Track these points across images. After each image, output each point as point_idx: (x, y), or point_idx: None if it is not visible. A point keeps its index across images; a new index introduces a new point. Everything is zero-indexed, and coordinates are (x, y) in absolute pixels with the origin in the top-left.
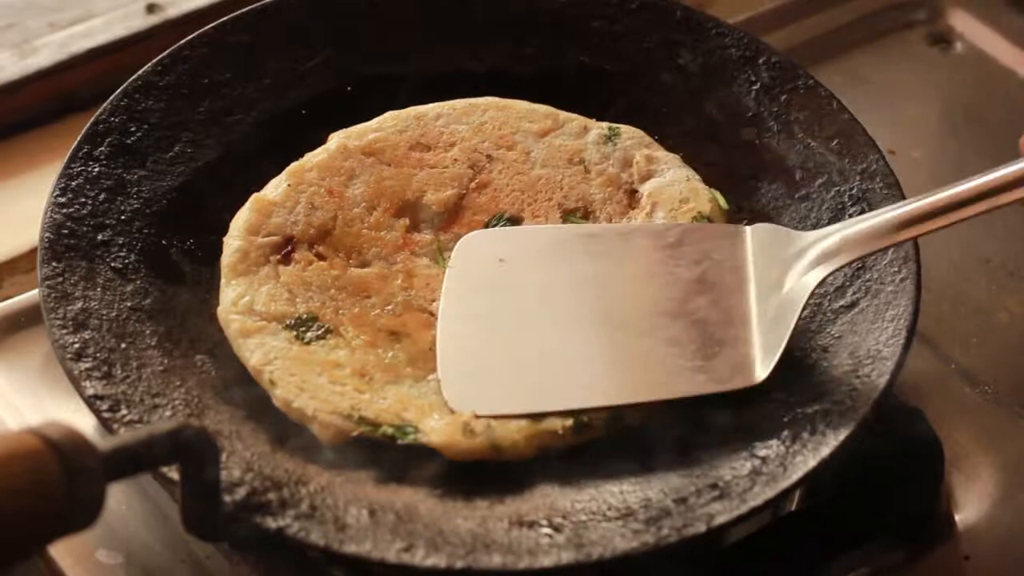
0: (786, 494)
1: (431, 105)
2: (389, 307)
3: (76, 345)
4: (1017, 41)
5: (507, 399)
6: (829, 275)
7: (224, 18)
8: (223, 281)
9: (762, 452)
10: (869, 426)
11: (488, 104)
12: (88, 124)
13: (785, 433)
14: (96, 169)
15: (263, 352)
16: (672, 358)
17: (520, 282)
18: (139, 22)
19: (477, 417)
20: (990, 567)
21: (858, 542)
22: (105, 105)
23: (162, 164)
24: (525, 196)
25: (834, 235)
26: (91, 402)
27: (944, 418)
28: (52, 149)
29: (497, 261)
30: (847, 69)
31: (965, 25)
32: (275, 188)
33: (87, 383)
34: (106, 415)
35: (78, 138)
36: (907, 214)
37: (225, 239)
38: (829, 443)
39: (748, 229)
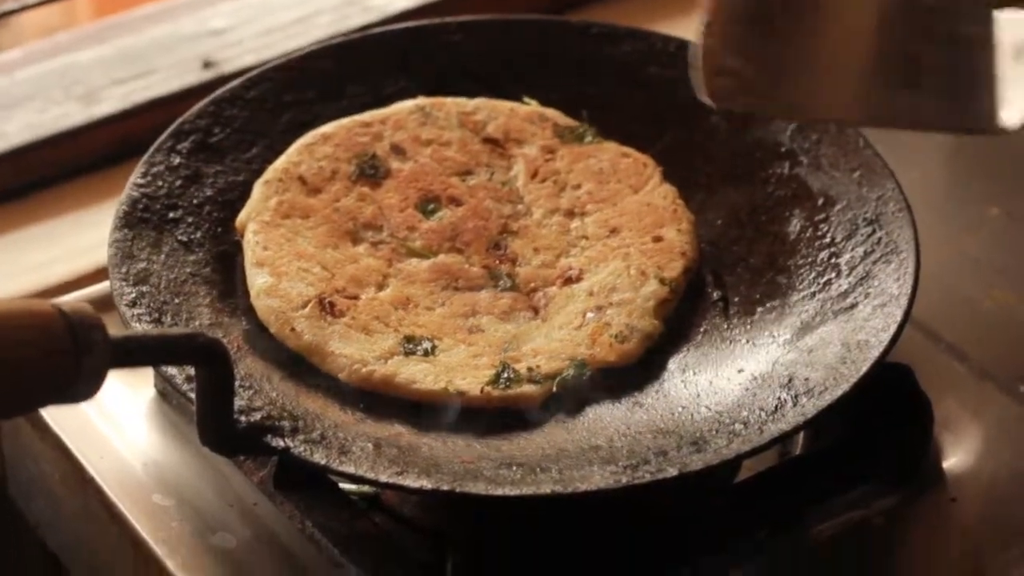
0: (757, 452)
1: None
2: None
3: (132, 295)
4: None
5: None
6: None
7: (311, 47)
8: None
9: (744, 418)
10: (848, 401)
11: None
12: (175, 123)
13: (770, 405)
14: (177, 160)
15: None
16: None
17: None
18: (195, 76)
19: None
20: (975, 507)
21: (853, 486)
22: (193, 109)
23: (239, 163)
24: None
25: None
26: None
27: (933, 386)
28: (114, 188)
29: None
30: None
31: None
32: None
33: (137, 324)
34: None
35: (164, 134)
36: None
37: None
38: (807, 414)
39: None
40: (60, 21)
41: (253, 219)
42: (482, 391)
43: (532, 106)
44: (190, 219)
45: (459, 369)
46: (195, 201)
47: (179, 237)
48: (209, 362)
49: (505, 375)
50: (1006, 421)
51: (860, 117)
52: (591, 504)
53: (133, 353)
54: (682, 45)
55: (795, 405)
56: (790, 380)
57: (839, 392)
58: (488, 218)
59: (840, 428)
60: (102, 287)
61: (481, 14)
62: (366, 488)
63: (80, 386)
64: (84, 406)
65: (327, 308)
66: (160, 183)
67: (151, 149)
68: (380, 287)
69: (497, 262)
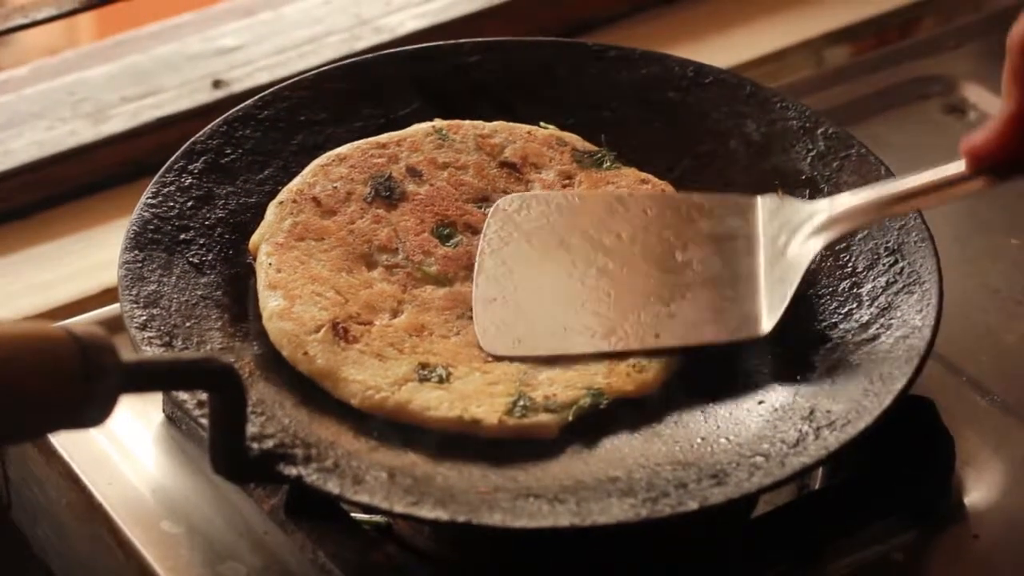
0: (778, 485)
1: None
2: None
3: (143, 317)
4: None
5: (537, 344)
6: (830, 242)
7: (324, 67)
8: None
9: (765, 451)
10: (869, 435)
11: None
12: (187, 143)
13: (792, 437)
14: (188, 180)
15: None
16: (684, 311)
17: (548, 240)
18: (205, 96)
19: (510, 359)
20: (998, 544)
21: (873, 521)
22: (205, 129)
23: (251, 184)
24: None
25: (836, 207)
26: None
27: (956, 421)
28: (122, 208)
29: (525, 222)
30: (870, 134)
31: (978, 97)
32: None
33: (148, 347)
34: None
35: (175, 154)
36: (904, 190)
37: None
38: (830, 447)
39: (759, 199)
40: (63, 42)
41: (267, 240)
42: (499, 421)
43: (550, 130)
44: (201, 240)
45: (474, 397)
46: (207, 222)
47: (190, 259)
48: (222, 388)
49: (521, 403)
50: None
51: (629, 345)
52: (608, 537)
53: (145, 378)
54: (699, 69)
55: (817, 438)
56: (811, 412)
57: (862, 425)
58: None
59: (860, 462)
60: (111, 309)
61: (491, 36)
62: (378, 518)
63: (91, 412)
64: (92, 431)
65: (341, 334)
66: (171, 204)
67: (162, 169)
68: (395, 313)
69: None
